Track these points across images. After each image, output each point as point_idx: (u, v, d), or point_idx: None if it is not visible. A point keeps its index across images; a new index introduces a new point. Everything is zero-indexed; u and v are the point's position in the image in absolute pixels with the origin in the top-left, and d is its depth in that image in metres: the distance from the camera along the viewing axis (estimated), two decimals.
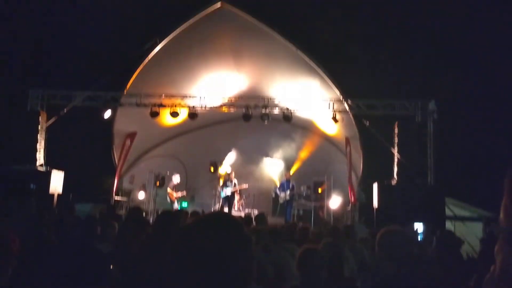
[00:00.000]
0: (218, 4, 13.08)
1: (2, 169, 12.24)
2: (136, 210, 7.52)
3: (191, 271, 1.24)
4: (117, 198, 15.11)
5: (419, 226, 10.96)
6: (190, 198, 17.87)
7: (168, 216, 3.95)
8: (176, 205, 14.94)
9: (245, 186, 15.33)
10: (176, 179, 15.31)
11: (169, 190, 15.14)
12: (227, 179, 15.00)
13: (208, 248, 1.24)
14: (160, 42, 13.60)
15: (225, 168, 16.51)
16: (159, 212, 4.43)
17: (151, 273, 2.96)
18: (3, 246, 2.51)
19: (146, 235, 4.02)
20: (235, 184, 14.88)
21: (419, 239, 9.98)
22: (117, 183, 15.15)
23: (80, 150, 13.50)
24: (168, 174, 16.17)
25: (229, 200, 14.78)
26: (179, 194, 15.28)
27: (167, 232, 3.49)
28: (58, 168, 12.84)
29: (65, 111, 13.12)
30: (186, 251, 1.26)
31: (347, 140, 15.35)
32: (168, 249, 1.39)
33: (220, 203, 15.16)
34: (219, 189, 15.27)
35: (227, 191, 14.74)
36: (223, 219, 1.38)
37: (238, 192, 15.42)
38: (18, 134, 12.80)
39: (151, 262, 3.16)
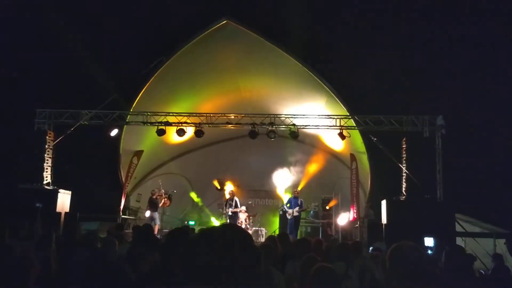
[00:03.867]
0: (224, 21, 13.16)
1: (9, 188, 12.25)
2: (145, 228, 7.47)
3: (199, 284, 1.19)
4: (124, 216, 15.04)
5: (429, 241, 10.79)
6: (197, 215, 17.77)
7: (179, 233, 3.89)
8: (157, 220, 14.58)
9: (243, 207, 15.17)
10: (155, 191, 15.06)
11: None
12: (229, 198, 14.93)
13: (216, 260, 1.19)
14: (166, 60, 13.67)
15: (228, 187, 16.42)
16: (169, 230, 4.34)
17: None
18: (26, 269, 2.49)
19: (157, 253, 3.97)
20: (236, 203, 14.80)
21: (429, 254, 9.80)
22: (124, 201, 15.10)
23: (87, 168, 13.50)
24: (175, 192, 16.09)
25: (232, 219, 14.64)
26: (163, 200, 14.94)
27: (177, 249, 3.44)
28: (65, 187, 12.83)
29: (72, 130, 13.15)
30: (193, 262, 1.22)
31: (352, 156, 15.24)
32: (176, 262, 1.34)
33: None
34: (220, 210, 15.22)
35: (229, 211, 14.67)
36: (232, 231, 1.33)
37: (245, 210, 15.29)
38: (25, 153, 12.84)
39: (162, 281, 3.12)
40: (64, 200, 12.62)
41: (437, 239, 10.70)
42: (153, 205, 14.48)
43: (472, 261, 7.30)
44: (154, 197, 14.58)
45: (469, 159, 13.63)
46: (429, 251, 10.25)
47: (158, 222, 14.46)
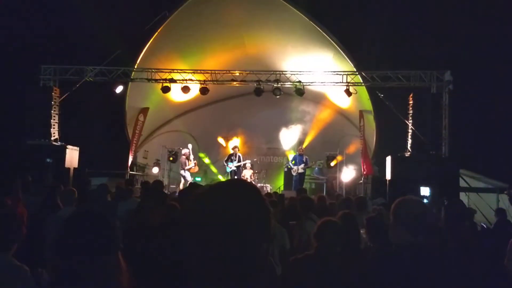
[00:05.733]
0: None
1: (17, 144, 12.38)
2: (157, 183, 7.64)
3: (205, 239, 1.14)
4: (131, 172, 15.29)
5: (425, 191, 10.96)
6: (203, 173, 18.01)
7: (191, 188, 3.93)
8: (188, 177, 14.89)
9: (248, 161, 15.25)
10: (185, 150, 15.20)
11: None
12: (231, 154, 14.99)
13: (224, 214, 1.14)
14: (169, 15, 13.43)
15: (232, 143, 16.48)
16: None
17: (172, 245, 2.97)
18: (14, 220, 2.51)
19: (168, 207, 4.03)
20: (239, 158, 14.87)
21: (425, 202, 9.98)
22: (131, 158, 15.28)
23: (94, 125, 13.58)
24: (181, 149, 16.23)
25: (235, 174, 14.77)
26: (192, 166, 15.11)
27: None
28: (73, 143, 12.97)
29: (77, 87, 13.13)
30: (199, 218, 1.16)
31: (361, 113, 15.18)
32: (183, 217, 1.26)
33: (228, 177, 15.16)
34: (224, 163, 15.26)
35: (232, 166, 14.76)
36: (240, 185, 1.27)
37: (250, 167, 15.42)
38: (31, 110, 12.87)
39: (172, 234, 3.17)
40: (72, 156, 12.78)
41: (432, 189, 10.86)
42: (181, 164, 14.74)
43: (472, 214, 7.41)
44: (184, 157, 14.79)
45: (476, 115, 13.56)
46: (425, 200, 10.42)
47: (189, 179, 14.62)
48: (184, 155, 14.81)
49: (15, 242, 2.54)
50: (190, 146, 15.21)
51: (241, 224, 1.14)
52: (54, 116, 13.15)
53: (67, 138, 13.20)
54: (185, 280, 1.19)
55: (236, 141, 16.77)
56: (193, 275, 1.16)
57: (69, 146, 12.67)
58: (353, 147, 16.28)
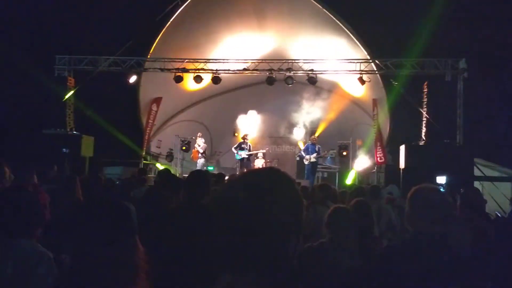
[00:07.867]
0: None
1: (34, 133, 12.54)
2: (168, 172, 7.69)
3: (235, 227, 1.12)
4: (145, 162, 15.44)
5: (441, 180, 10.90)
6: (215, 162, 18.08)
7: (201, 175, 3.97)
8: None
9: (261, 151, 15.25)
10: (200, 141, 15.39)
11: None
12: (242, 142, 14.96)
13: (256, 203, 1.12)
14: (182, 4, 13.42)
15: (243, 131, 16.46)
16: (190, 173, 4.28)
17: (189, 233, 3.00)
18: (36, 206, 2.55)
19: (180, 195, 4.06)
20: (250, 146, 14.84)
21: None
22: (145, 147, 15.43)
23: (109, 115, 13.70)
24: (194, 138, 16.35)
25: (246, 163, 14.75)
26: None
27: (199, 191, 3.53)
28: (88, 133, 13.13)
29: (91, 77, 13.25)
30: (230, 207, 1.14)
31: (375, 102, 15.07)
32: (209, 205, 1.27)
33: (238, 166, 15.12)
34: (233, 150, 15.23)
35: (242, 154, 14.71)
36: (275, 174, 1.24)
37: (262, 156, 15.41)
38: (46, 100, 13.03)
39: (188, 221, 3.22)
40: (87, 145, 12.94)
41: (448, 177, 10.79)
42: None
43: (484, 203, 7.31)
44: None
45: (490, 103, 13.38)
46: (441, 189, 10.37)
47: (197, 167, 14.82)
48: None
49: (38, 228, 2.58)
50: (198, 134, 15.60)
51: (273, 214, 1.12)
52: (69, 106, 13.30)
53: (82, 127, 13.36)
54: (208, 267, 1.17)
55: (243, 130, 16.65)
56: (219, 263, 1.16)
57: (84, 136, 12.82)
58: (366, 136, 16.18)
